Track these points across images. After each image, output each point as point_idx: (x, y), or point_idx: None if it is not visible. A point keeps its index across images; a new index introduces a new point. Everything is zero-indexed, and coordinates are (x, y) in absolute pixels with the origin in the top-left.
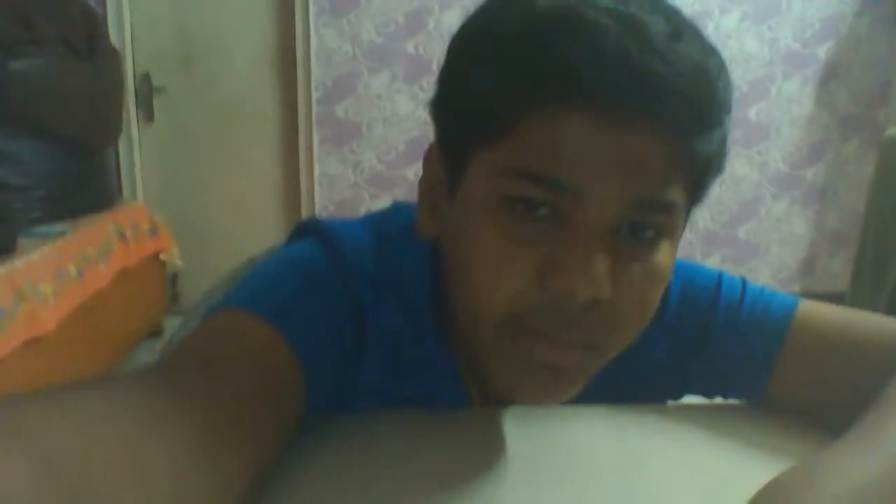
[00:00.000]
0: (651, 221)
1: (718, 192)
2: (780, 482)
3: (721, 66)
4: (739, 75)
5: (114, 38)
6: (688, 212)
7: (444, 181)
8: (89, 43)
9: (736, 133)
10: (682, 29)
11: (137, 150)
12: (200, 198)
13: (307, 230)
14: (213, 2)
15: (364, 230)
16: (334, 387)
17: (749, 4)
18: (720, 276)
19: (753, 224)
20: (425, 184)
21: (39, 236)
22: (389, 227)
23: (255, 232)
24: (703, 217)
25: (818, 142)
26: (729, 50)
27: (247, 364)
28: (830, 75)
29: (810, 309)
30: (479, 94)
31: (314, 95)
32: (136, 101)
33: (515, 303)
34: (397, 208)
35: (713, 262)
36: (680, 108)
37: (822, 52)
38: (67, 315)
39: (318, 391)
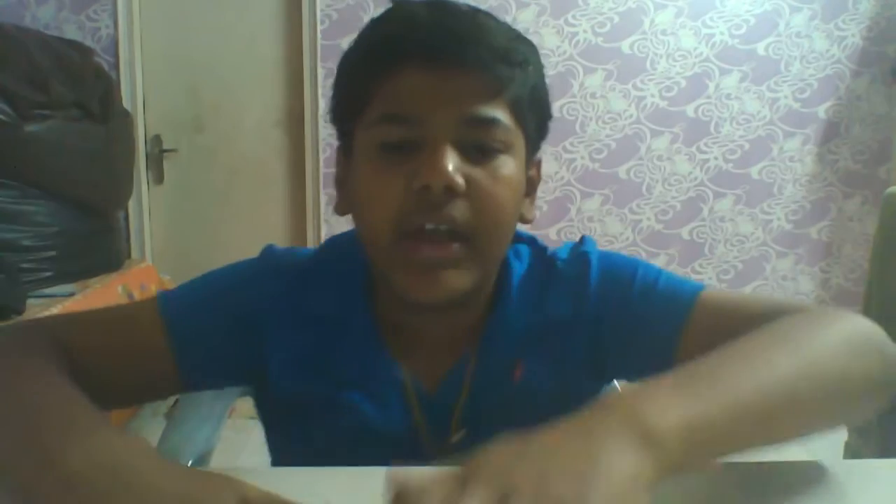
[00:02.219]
0: (485, 137)
1: (723, 250)
2: (607, 398)
3: (511, 31)
4: (741, 134)
5: (126, 101)
6: (530, 141)
7: (343, 163)
8: (102, 106)
9: (739, 192)
10: (482, 11)
11: (147, 211)
12: (209, 257)
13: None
14: (223, 65)
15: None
16: (218, 369)
17: (748, 65)
18: (637, 262)
19: (759, 282)
20: (336, 175)
21: (48, 297)
22: (334, 242)
23: None
24: (708, 276)
25: (821, 199)
26: (730, 110)
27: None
28: (831, 134)
29: (713, 292)
30: (349, 80)
31: (321, 156)
32: (147, 163)
33: (396, 212)
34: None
35: (660, 262)
36: (480, 51)
37: (822, 111)
38: None
39: (188, 360)
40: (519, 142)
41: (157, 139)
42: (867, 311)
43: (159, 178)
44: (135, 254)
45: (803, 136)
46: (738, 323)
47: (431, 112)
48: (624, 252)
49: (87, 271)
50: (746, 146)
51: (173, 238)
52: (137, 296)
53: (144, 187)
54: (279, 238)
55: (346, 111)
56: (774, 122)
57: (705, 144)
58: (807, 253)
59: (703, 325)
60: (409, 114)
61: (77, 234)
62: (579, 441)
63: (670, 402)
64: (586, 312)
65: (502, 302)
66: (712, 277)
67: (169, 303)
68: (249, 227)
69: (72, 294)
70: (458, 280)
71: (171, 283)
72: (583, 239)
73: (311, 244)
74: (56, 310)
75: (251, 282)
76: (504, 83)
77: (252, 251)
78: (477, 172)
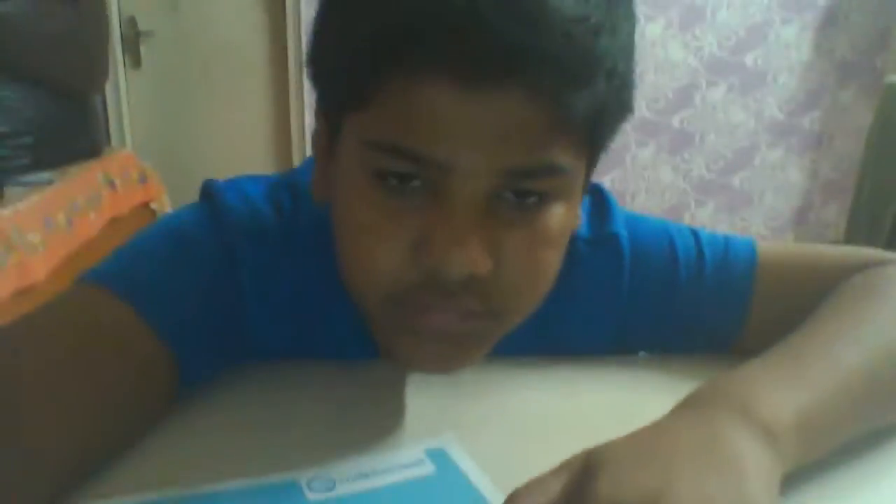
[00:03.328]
0: (533, 188)
1: (714, 140)
2: (710, 390)
3: (603, 9)
4: (737, 21)
5: None
6: (591, 162)
7: (325, 143)
8: None
9: (732, 80)
10: None
11: (125, 97)
12: (190, 144)
13: (203, 194)
14: None
15: (269, 188)
16: (216, 354)
17: None
18: (667, 229)
19: (748, 172)
20: (315, 142)
21: (27, 185)
22: (303, 180)
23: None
24: (697, 165)
25: (815, 89)
26: None
27: (90, 340)
28: (829, 21)
29: (768, 250)
30: (340, 57)
31: (303, 38)
32: (123, 46)
33: (393, 279)
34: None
35: (706, 212)
36: (546, 68)
37: None
38: (57, 265)
39: (191, 363)
40: (579, 170)
41: (132, 21)
42: (858, 203)
43: (136, 63)
44: (115, 141)
45: (801, 22)
46: (811, 285)
47: (457, 156)
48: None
49: (66, 159)
50: (742, 33)
51: (154, 125)
52: (119, 184)
53: (121, 72)
54: (262, 125)
55: (332, 93)
56: (772, 8)
57: (700, 31)
58: (797, 143)
59: (769, 295)
60: (424, 152)
61: (53, 121)
62: (709, 444)
63: (784, 397)
64: (615, 308)
65: None
66: (701, 167)
67: (132, 287)
68: (231, 113)
69: (51, 182)
70: (472, 356)
71: (152, 170)
72: (601, 197)
73: (295, 132)
74: (35, 198)
75: (212, 263)
76: (575, 112)
77: (235, 137)
78: (515, 240)
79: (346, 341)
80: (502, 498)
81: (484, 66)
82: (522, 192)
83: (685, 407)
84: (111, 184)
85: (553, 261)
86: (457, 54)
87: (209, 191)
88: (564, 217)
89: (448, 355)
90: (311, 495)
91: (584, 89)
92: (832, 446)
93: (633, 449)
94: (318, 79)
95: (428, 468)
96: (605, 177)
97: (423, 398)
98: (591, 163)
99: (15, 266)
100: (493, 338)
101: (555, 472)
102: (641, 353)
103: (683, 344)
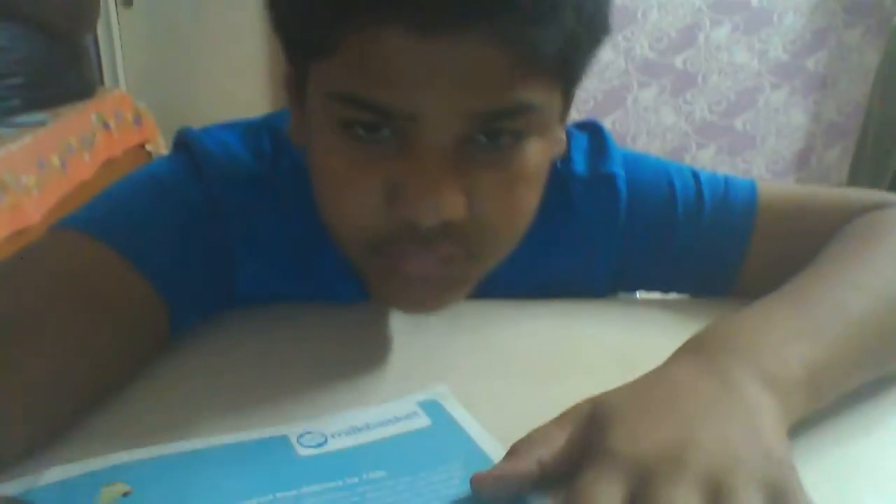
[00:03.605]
0: (505, 128)
1: (717, 80)
2: (715, 336)
3: None
4: None
5: None
6: (566, 93)
7: (295, 88)
8: None
9: (737, 20)
10: None
11: (117, 36)
12: (185, 85)
13: (178, 143)
14: None
15: (246, 134)
16: (204, 300)
17: None
18: (666, 168)
19: (751, 114)
20: (286, 86)
21: (19, 126)
22: (284, 125)
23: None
24: (699, 107)
25: (821, 28)
26: None
27: (78, 284)
28: None
29: (769, 190)
30: (298, 6)
31: None
32: None
33: (369, 229)
34: None
35: (708, 154)
36: (506, 10)
37: None
38: (52, 207)
39: (181, 309)
40: (554, 103)
41: None
42: (862, 146)
43: (128, 1)
44: (108, 82)
45: None
46: (812, 227)
47: (422, 104)
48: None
49: (58, 99)
50: None
51: (147, 64)
52: (113, 125)
53: (113, 11)
54: (257, 62)
55: (293, 41)
56: None
57: None
58: (801, 85)
59: (769, 236)
60: (389, 103)
61: (44, 61)
62: (725, 395)
63: (792, 349)
64: (612, 248)
65: None
66: (703, 108)
67: (116, 233)
68: (226, 51)
69: (43, 123)
70: (455, 296)
71: (146, 110)
72: (598, 132)
73: None
74: (28, 139)
75: (195, 210)
76: (542, 48)
77: (230, 75)
78: (490, 181)
79: (334, 282)
80: (500, 449)
81: (441, 12)
82: (494, 134)
83: (690, 353)
84: (105, 125)
85: (530, 199)
86: (412, 1)
87: (184, 140)
88: (540, 152)
89: (429, 296)
90: (302, 451)
91: (549, 27)
92: (837, 396)
93: (645, 399)
94: (278, 25)
95: (422, 421)
96: (606, 118)
97: (414, 345)
98: (568, 93)
99: (9, 209)
100: (474, 278)
101: (558, 423)
102: (638, 293)
103: (681, 285)
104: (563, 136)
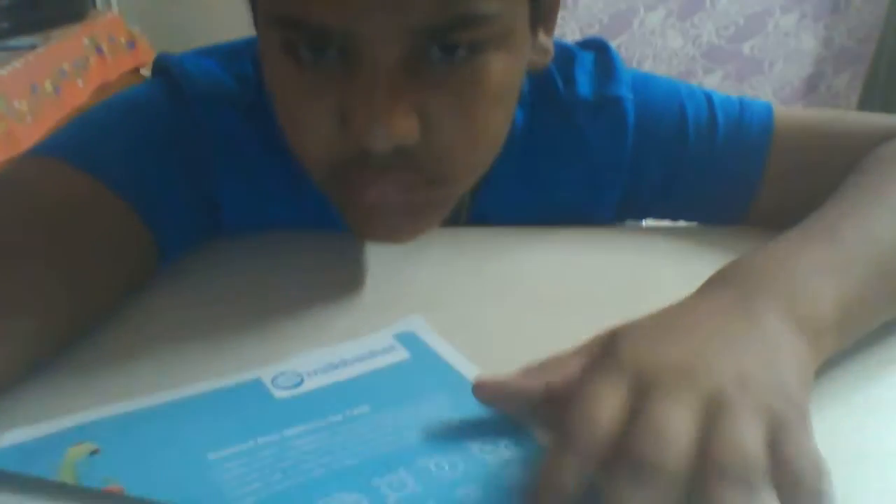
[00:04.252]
0: (460, 41)
1: (725, 3)
2: (745, 269)
3: None
4: None
5: None
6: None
7: (251, 12)
8: None
9: None
10: None
11: None
12: (180, 7)
13: (157, 69)
14: None
15: (226, 58)
16: (192, 225)
17: None
18: (678, 90)
19: (759, 39)
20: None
21: (9, 50)
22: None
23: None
24: (707, 31)
25: None
26: None
27: (64, 214)
28: None
29: (786, 114)
30: None
31: None
32: None
33: (325, 156)
34: None
35: (715, 79)
36: None
37: None
38: (45, 133)
39: (165, 233)
40: (516, 9)
41: None
42: (875, 73)
43: None
44: (99, 4)
45: None
46: (831, 154)
47: (359, 21)
48: None
49: (49, 22)
50: None
51: None
52: (106, 49)
53: None
54: None
55: None
56: None
57: None
58: (812, 8)
59: (786, 161)
60: (323, 22)
61: None
62: (743, 323)
63: (824, 286)
64: (618, 174)
65: (495, 173)
66: (711, 32)
67: (95, 159)
68: None
69: (34, 47)
70: (423, 223)
71: (141, 35)
72: (604, 51)
73: None
74: (19, 64)
75: (176, 135)
76: None
77: (225, 1)
78: (444, 100)
79: (320, 209)
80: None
81: None
82: (448, 48)
83: (717, 287)
84: (98, 49)
85: (495, 118)
86: None
87: (163, 65)
88: (504, 66)
89: (398, 226)
90: (278, 393)
91: None
92: (867, 332)
93: (665, 326)
94: None
95: (401, 354)
96: (611, 42)
97: (398, 275)
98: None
99: (2, 135)
100: (444, 204)
101: (575, 352)
102: (645, 222)
103: (691, 213)
104: (549, 45)
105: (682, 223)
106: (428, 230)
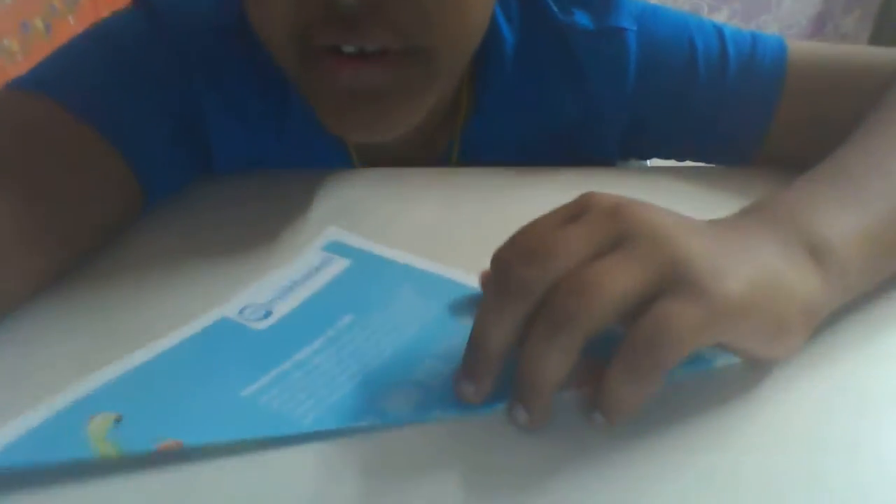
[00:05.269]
0: None
1: None
2: (759, 205)
3: None
4: None
5: None
6: None
7: None
8: None
9: None
10: None
11: None
12: None
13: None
14: None
15: None
16: (179, 161)
17: None
18: (687, 22)
19: None
20: None
21: None
22: None
23: None
24: None
25: None
26: None
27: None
28: None
29: (800, 49)
30: None
31: None
32: None
33: (288, 16)
34: None
35: (721, 17)
36: None
37: None
38: None
39: (151, 174)
40: None
41: None
42: (886, 11)
43: None
44: None
45: None
46: (846, 88)
47: None
48: None
49: None
50: None
51: None
52: None
53: None
54: None
55: None
56: None
57: None
58: None
59: (799, 99)
60: None
61: None
62: (739, 243)
63: (841, 212)
64: (619, 109)
65: (486, 100)
66: None
67: (77, 97)
68: None
69: None
70: (401, 113)
71: None
72: None
73: None
74: (8, 0)
75: (160, 67)
76: None
77: None
78: None
79: (310, 140)
80: (428, 261)
81: None
82: None
83: (734, 217)
84: None
85: None
86: None
87: None
88: None
89: (372, 115)
90: (255, 325)
91: None
92: (888, 275)
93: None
94: None
95: (341, 262)
96: None
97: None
98: None
99: None
100: (421, 91)
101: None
102: (650, 162)
103: (699, 151)
104: None
105: (688, 163)
106: (407, 123)
